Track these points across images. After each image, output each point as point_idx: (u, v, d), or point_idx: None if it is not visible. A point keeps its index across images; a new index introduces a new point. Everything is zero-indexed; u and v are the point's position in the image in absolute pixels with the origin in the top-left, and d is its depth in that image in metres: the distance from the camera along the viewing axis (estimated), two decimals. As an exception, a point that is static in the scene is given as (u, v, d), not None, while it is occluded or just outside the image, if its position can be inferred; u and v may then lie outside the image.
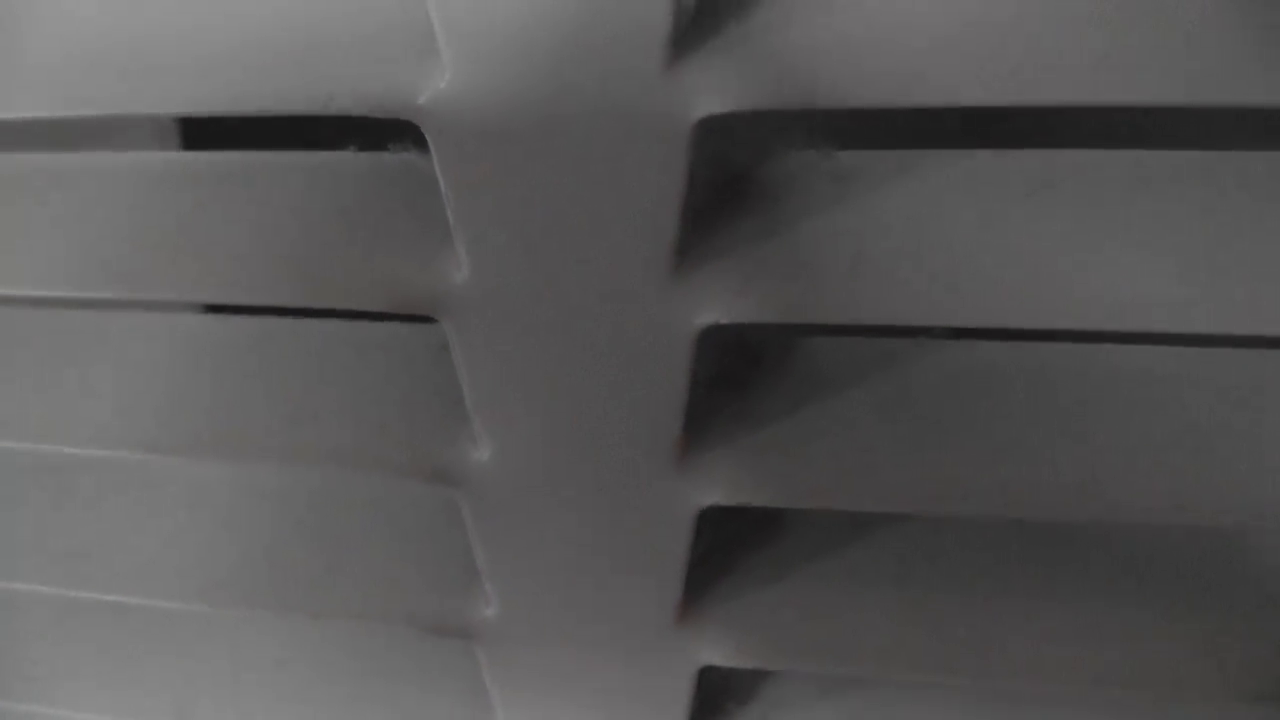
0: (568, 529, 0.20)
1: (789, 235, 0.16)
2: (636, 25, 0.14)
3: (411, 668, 0.27)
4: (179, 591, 0.23)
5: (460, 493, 0.20)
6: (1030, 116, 0.15)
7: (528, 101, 0.14)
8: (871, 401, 0.19)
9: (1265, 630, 0.20)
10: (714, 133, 0.15)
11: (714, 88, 0.14)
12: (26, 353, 0.21)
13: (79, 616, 0.28)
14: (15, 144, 0.19)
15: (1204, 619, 0.21)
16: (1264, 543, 0.21)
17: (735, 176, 0.17)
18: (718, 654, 0.22)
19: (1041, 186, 0.16)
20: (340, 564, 0.23)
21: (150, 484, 0.24)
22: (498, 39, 0.14)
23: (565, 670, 0.23)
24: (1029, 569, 0.21)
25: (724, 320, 0.16)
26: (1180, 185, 0.16)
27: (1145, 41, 0.13)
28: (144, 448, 0.20)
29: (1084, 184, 0.16)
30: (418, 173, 0.17)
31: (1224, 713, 0.21)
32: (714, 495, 0.19)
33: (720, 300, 0.16)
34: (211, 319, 0.22)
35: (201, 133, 0.25)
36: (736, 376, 0.19)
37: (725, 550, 0.22)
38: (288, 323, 0.21)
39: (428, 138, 0.15)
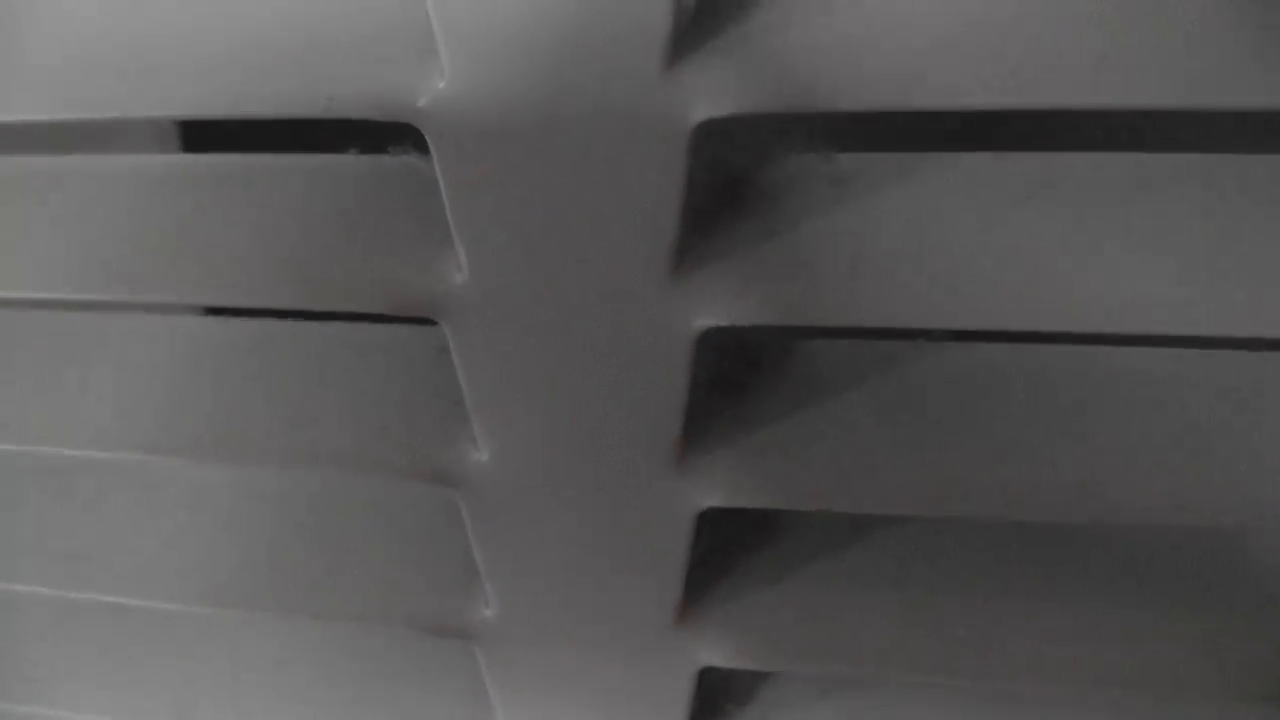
0: (567, 530, 0.20)
1: (788, 237, 0.16)
2: (636, 26, 0.14)
3: (411, 668, 0.27)
4: (179, 593, 0.23)
5: (460, 494, 0.20)
6: (1030, 118, 0.15)
7: (527, 103, 0.14)
8: (871, 403, 0.19)
9: (1265, 630, 0.20)
10: (714, 135, 0.15)
11: (714, 89, 0.14)
12: (27, 354, 0.21)
13: (79, 618, 0.28)
14: (15, 146, 0.19)
15: (1204, 619, 0.21)
16: (1264, 543, 0.21)
17: (735, 179, 0.17)
18: (717, 655, 0.22)
19: (1041, 188, 0.16)
20: (340, 565, 0.23)
21: (150, 486, 0.24)
22: (497, 40, 0.14)
23: (565, 671, 0.23)
24: (1029, 569, 0.22)
25: (723, 322, 0.16)
26: (1180, 187, 0.16)
27: (1145, 42, 0.13)
28: (144, 449, 0.20)
29: (1084, 186, 0.16)
30: (418, 175, 0.17)
31: (1224, 713, 0.21)
32: (714, 496, 0.19)
33: (720, 302, 0.16)
34: (212, 321, 0.22)
35: (202, 135, 0.25)
36: (736, 378, 0.19)
37: (725, 551, 0.22)
38: (288, 325, 0.21)
39: (427, 139, 0.15)
